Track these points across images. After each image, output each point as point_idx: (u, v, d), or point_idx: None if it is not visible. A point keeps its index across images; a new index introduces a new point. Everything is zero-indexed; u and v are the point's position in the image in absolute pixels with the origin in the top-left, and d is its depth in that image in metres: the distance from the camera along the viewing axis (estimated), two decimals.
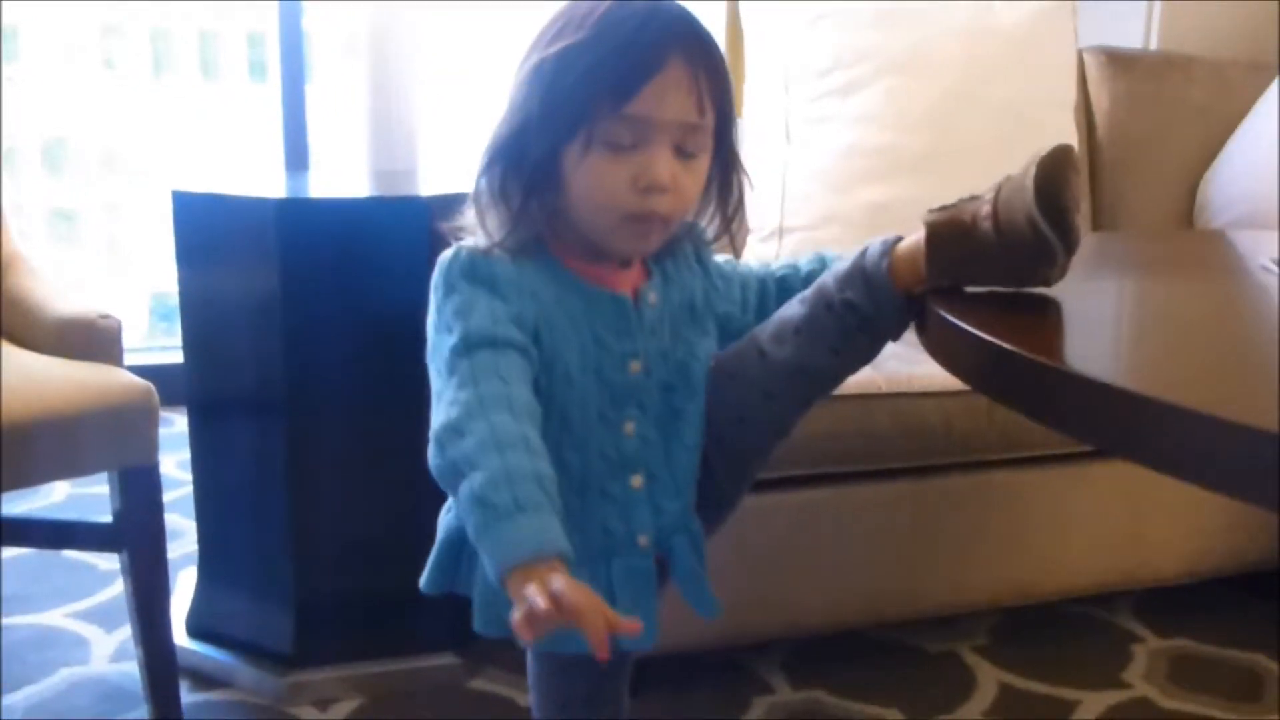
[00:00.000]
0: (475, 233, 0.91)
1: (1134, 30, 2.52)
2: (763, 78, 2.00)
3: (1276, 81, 2.17)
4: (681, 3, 0.89)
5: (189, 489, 1.77)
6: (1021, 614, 1.82)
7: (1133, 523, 1.76)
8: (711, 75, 0.87)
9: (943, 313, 0.81)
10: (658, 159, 0.86)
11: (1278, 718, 1.59)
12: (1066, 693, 1.64)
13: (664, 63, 0.84)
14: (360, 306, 1.55)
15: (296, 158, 2.41)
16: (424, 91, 2.04)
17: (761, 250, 1.93)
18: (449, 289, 0.87)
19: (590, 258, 0.91)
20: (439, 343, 0.85)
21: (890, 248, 0.88)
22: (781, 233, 1.94)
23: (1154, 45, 2.49)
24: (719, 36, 0.94)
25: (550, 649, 0.98)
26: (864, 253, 0.90)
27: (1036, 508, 1.72)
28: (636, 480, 0.94)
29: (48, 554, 2.02)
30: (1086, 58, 2.28)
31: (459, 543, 0.92)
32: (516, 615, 0.72)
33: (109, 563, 2.00)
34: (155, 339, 3.32)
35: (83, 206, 3.01)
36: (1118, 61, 2.29)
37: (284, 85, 2.52)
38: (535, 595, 0.71)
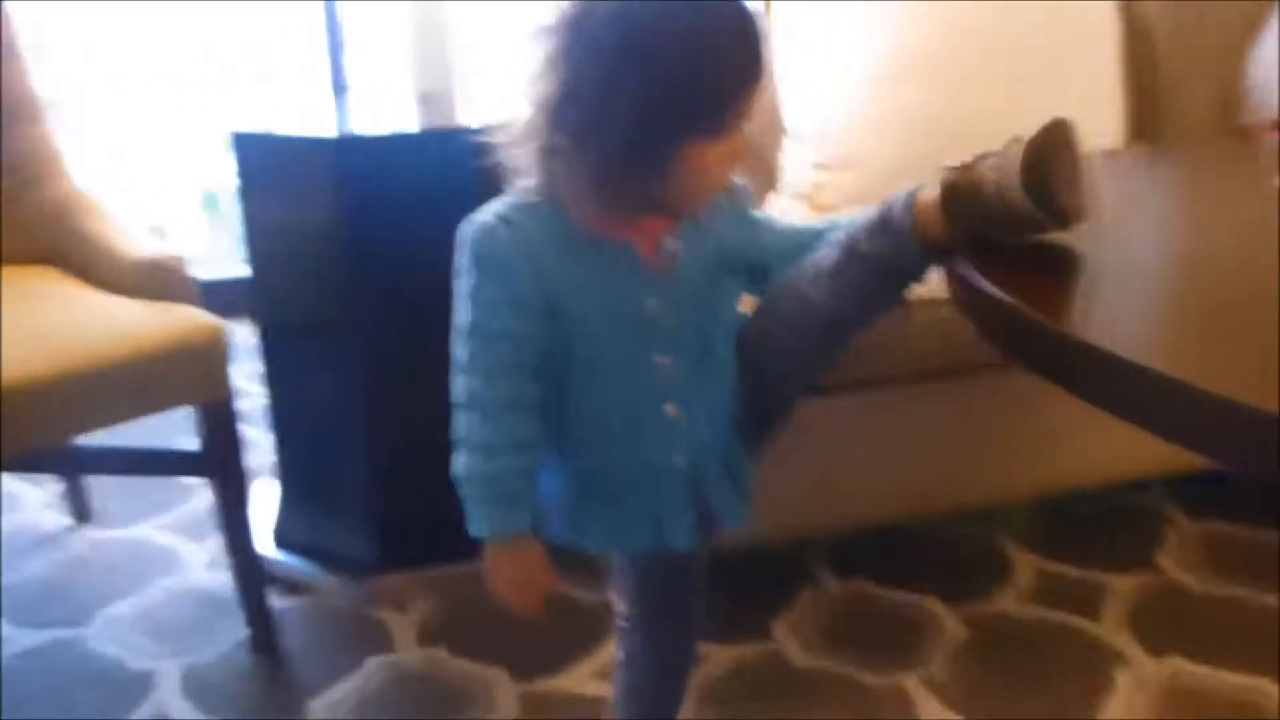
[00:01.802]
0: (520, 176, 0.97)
1: None
2: None
3: None
4: None
5: (257, 400, 1.88)
6: (1060, 503, 1.90)
7: None
8: (769, 67, 0.93)
9: (962, 269, 0.87)
10: (740, 141, 0.93)
11: None
12: (1099, 576, 1.73)
13: (748, 84, 0.91)
14: (416, 232, 1.61)
15: (336, 76, 2.44)
16: (460, 9, 2.06)
17: (800, 153, 1.95)
18: (465, 268, 0.97)
19: (609, 212, 0.97)
20: (457, 310, 0.97)
21: (913, 200, 0.93)
22: (822, 136, 1.96)
23: None
24: None
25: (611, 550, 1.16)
26: (889, 205, 0.95)
27: (1070, 403, 1.77)
28: (671, 409, 1.02)
29: None
30: None
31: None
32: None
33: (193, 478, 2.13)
34: (206, 234, 3.42)
35: (124, 105, 3.08)
36: None
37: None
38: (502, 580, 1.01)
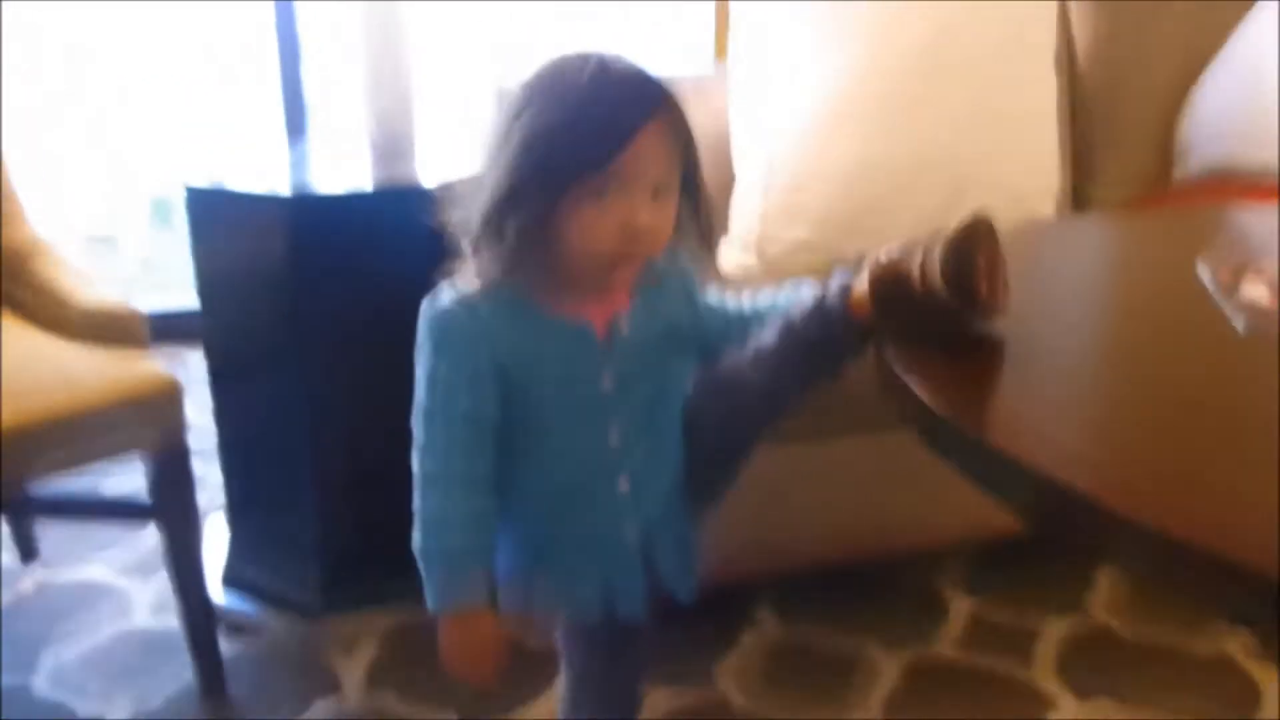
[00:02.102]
0: (467, 260, 1.01)
1: None
2: (746, 32, 2.05)
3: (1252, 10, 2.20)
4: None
5: (208, 434, 1.89)
6: (992, 547, 1.95)
7: None
8: (675, 130, 0.96)
9: (886, 359, 0.91)
10: (638, 208, 0.95)
11: (1233, 649, 1.73)
12: (1030, 620, 1.79)
13: (637, 132, 0.92)
14: (366, 286, 1.65)
15: (295, 115, 2.47)
16: (418, 53, 2.10)
17: (747, 203, 2.00)
18: (422, 346, 1.01)
19: (563, 291, 1.01)
20: (416, 389, 1.01)
21: (847, 288, 0.97)
22: (767, 188, 2.01)
23: None
24: None
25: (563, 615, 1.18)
26: (825, 291, 0.99)
27: None
28: (623, 483, 1.06)
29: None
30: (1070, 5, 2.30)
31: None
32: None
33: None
34: (155, 243, 3.44)
35: (75, 114, 3.09)
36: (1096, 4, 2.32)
37: (280, 41, 2.57)
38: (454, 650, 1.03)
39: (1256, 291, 1.01)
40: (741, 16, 2.07)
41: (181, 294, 2.26)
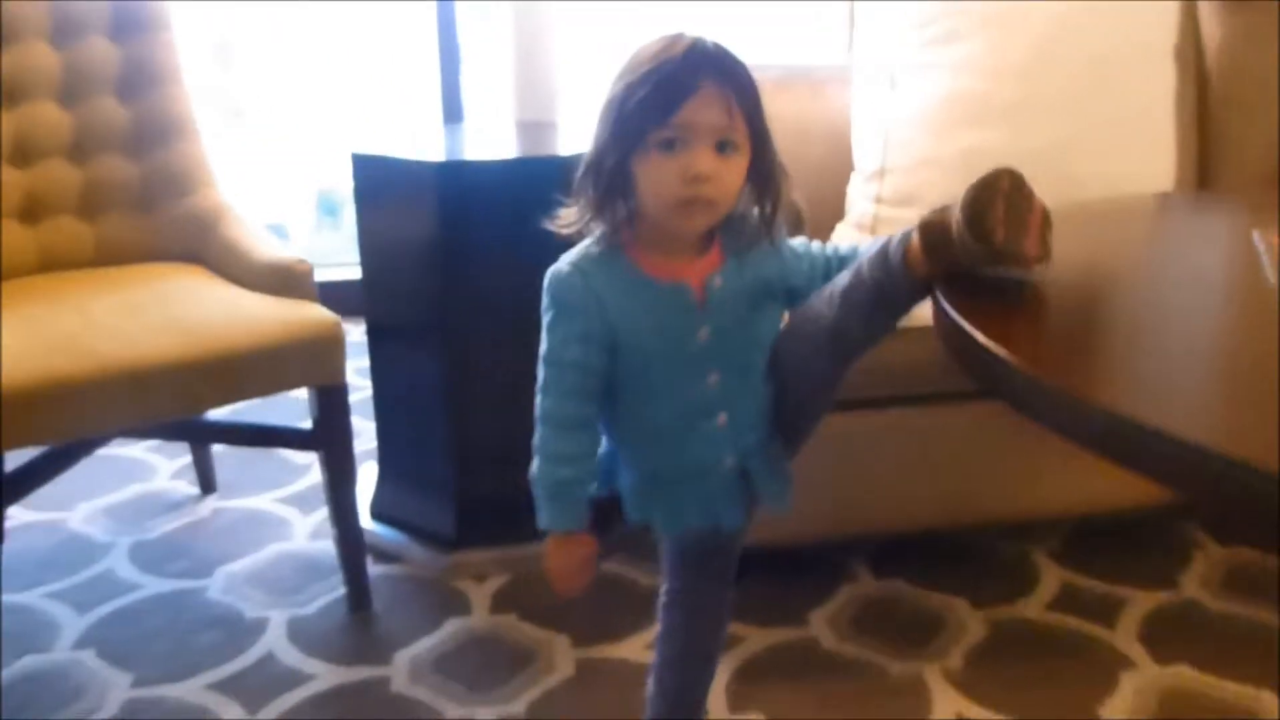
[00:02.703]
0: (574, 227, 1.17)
1: None
2: (870, 28, 2.17)
3: None
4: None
5: (366, 392, 2.12)
6: (1093, 523, 2.03)
7: None
8: (739, 93, 1.10)
9: (941, 298, 1.03)
10: (699, 155, 1.09)
11: None
12: (1120, 591, 1.86)
13: (697, 86, 1.07)
14: (507, 248, 1.83)
15: (452, 108, 2.70)
16: (565, 46, 2.29)
17: (864, 188, 2.13)
18: (545, 305, 1.17)
19: (662, 254, 1.16)
20: (541, 341, 1.17)
21: (907, 238, 1.10)
22: (883, 173, 2.12)
23: None
24: None
25: (673, 530, 1.31)
26: (890, 240, 1.12)
27: None
28: (721, 419, 1.20)
29: (253, 451, 2.42)
30: (1200, 6, 2.33)
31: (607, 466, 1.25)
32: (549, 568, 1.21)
33: (304, 458, 2.39)
34: (321, 234, 3.71)
35: (252, 105, 3.37)
36: (1229, 6, 2.35)
37: (440, 39, 2.81)
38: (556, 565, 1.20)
39: None
40: (866, 13, 2.19)
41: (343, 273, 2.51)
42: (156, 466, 2.39)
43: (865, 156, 2.15)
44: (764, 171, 1.15)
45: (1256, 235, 1.19)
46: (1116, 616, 1.79)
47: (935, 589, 1.87)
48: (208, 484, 2.26)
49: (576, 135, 2.07)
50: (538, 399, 1.18)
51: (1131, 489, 1.93)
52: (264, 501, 2.23)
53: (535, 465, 1.18)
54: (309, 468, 2.35)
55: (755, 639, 1.75)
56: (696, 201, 1.11)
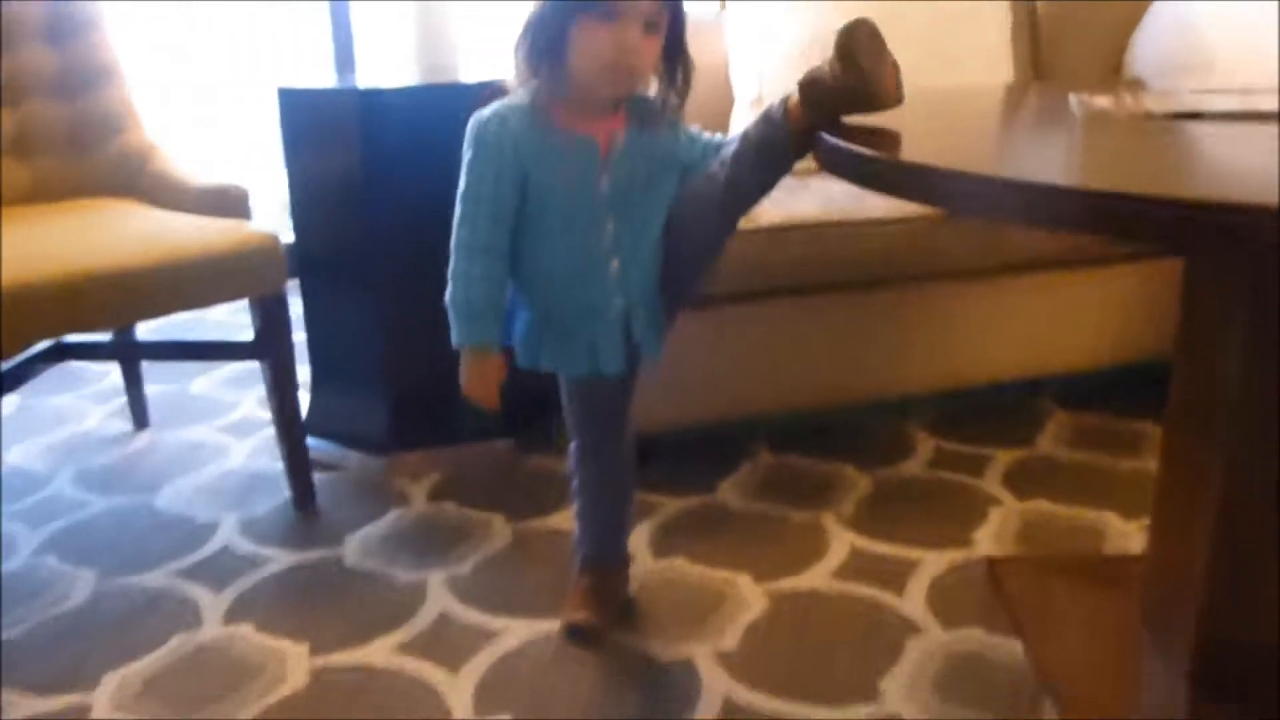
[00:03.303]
0: (513, 91, 1.36)
1: None
2: None
3: None
4: None
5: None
6: (958, 397, 2.29)
7: (1047, 324, 2.20)
8: None
9: (821, 138, 1.25)
10: (630, 30, 1.29)
11: (1152, 464, 2.05)
12: (985, 450, 2.12)
13: None
14: (426, 165, 1.99)
15: (344, 61, 2.84)
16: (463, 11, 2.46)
17: (745, 115, 2.35)
18: (466, 147, 1.35)
19: (576, 112, 1.35)
20: (460, 180, 1.36)
21: (786, 99, 1.31)
22: (760, 100, 2.36)
23: None
24: None
25: (560, 371, 1.50)
26: (771, 104, 1.33)
27: (964, 313, 2.16)
28: (614, 265, 1.40)
29: (185, 386, 2.54)
30: None
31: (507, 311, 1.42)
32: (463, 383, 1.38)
33: (232, 394, 2.51)
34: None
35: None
36: None
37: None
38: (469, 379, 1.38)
39: (1100, 100, 1.35)
40: None
41: None
42: (86, 410, 2.48)
43: (744, 88, 2.38)
44: (675, 52, 1.36)
45: (1072, 96, 1.44)
46: (983, 469, 2.06)
47: (826, 459, 2.11)
48: (141, 420, 2.37)
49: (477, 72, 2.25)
50: (455, 232, 1.35)
51: (990, 366, 2.21)
52: (199, 432, 2.35)
53: (450, 290, 1.35)
54: (238, 403, 2.47)
55: (669, 505, 1.95)
56: (621, 68, 1.31)
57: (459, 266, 1.35)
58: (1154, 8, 2.56)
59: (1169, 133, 1.17)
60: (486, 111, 1.36)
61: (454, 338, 1.37)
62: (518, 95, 1.36)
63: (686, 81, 1.41)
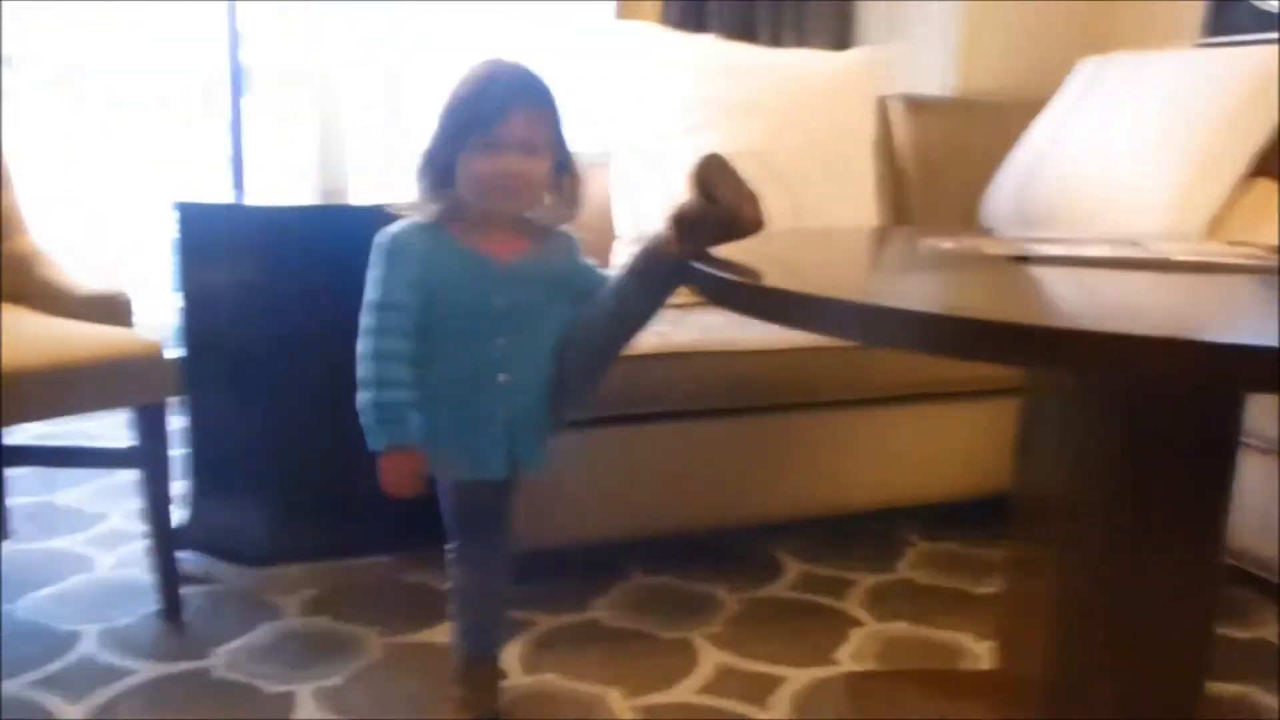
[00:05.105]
0: (412, 214, 1.45)
1: (943, 73, 3.13)
2: (631, 118, 2.55)
3: (1036, 120, 2.78)
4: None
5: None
6: (822, 524, 2.39)
7: (908, 454, 2.32)
8: (541, 110, 1.42)
9: (694, 267, 1.35)
10: (508, 156, 1.41)
11: (1001, 588, 2.16)
12: (849, 574, 2.21)
13: (508, 109, 1.39)
14: (325, 284, 2.06)
15: (236, 180, 2.91)
16: (353, 124, 2.56)
17: (626, 250, 2.47)
18: (374, 261, 1.44)
19: (479, 232, 1.45)
20: (367, 292, 1.43)
21: (659, 234, 1.42)
22: (640, 239, 2.48)
23: (955, 85, 3.10)
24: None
25: (445, 476, 1.54)
26: (649, 239, 1.44)
27: (832, 441, 2.27)
28: (503, 377, 1.47)
29: (50, 497, 2.49)
30: (890, 103, 2.89)
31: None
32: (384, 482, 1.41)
33: (97, 506, 2.47)
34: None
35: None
36: (914, 106, 2.91)
37: (230, 117, 3.02)
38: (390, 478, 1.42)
39: (945, 244, 1.50)
40: (630, 109, 2.58)
41: None
42: None
43: (625, 223, 2.51)
44: (562, 164, 1.47)
45: (921, 238, 1.58)
46: (846, 592, 2.14)
47: (696, 579, 2.17)
48: (2, 530, 2.30)
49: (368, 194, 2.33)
50: (363, 342, 1.42)
51: (855, 494, 2.32)
52: (63, 543, 2.30)
53: (364, 397, 1.41)
54: (106, 515, 2.43)
55: (544, 623, 1.98)
56: (508, 190, 1.41)
57: (377, 373, 1.41)
58: (1004, 169, 2.80)
59: (1003, 271, 1.30)
60: (394, 228, 1.45)
61: (371, 443, 1.41)
62: (423, 212, 1.45)
63: (575, 189, 1.52)
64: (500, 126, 1.39)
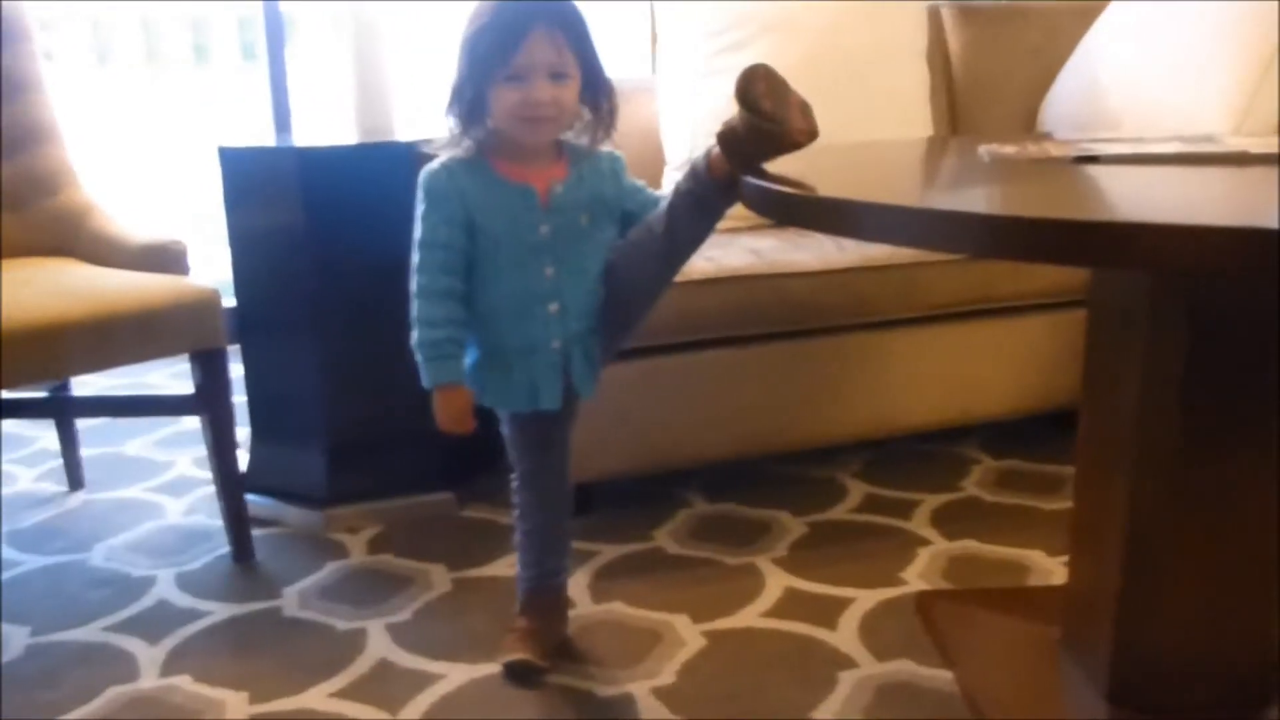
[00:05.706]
0: (450, 149, 1.43)
1: None
2: (672, 40, 2.50)
3: (1098, 21, 2.67)
4: None
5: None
6: (886, 446, 2.36)
7: (968, 372, 2.28)
8: (566, 31, 1.38)
9: (744, 181, 1.32)
10: (536, 87, 1.37)
11: (1070, 503, 2.12)
12: (913, 495, 2.18)
13: (528, 33, 1.35)
14: (365, 225, 2.05)
15: (282, 125, 2.89)
16: (396, 64, 2.52)
17: (675, 176, 2.43)
18: (419, 199, 1.42)
19: (516, 162, 1.42)
20: (414, 231, 1.42)
21: (708, 152, 1.38)
22: (690, 161, 2.44)
23: None
24: None
25: (502, 408, 1.55)
26: (696, 159, 1.40)
27: (889, 361, 2.24)
28: (553, 307, 1.46)
29: (120, 448, 2.53)
30: (943, 10, 2.79)
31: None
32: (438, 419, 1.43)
33: (166, 454, 2.51)
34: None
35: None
36: (966, 13, 2.81)
37: (270, 64, 3.01)
38: (443, 415, 1.44)
39: (1006, 149, 1.44)
40: (665, 31, 2.52)
41: None
42: (17, 475, 2.46)
43: (675, 150, 2.47)
44: (594, 87, 1.43)
45: (981, 146, 1.53)
46: (911, 512, 2.11)
47: (761, 506, 2.15)
48: (76, 480, 2.35)
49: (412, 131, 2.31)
50: (413, 279, 1.42)
51: (916, 414, 2.28)
52: (133, 491, 2.33)
53: (415, 334, 1.42)
54: (172, 463, 2.47)
55: (608, 552, 1.98)
56: (538, 120, 1.38)
57: (422, 312, 1.42)
58: (1064, 72, 2.70)
59: (1067, 173, 1.25)
60: (435, 164, 1.43)
61: (424, 380, 1.42)
62: (463, 147, 1.43)
63: (611, 110, 1.48)
64: (521, 56, 1.35)
